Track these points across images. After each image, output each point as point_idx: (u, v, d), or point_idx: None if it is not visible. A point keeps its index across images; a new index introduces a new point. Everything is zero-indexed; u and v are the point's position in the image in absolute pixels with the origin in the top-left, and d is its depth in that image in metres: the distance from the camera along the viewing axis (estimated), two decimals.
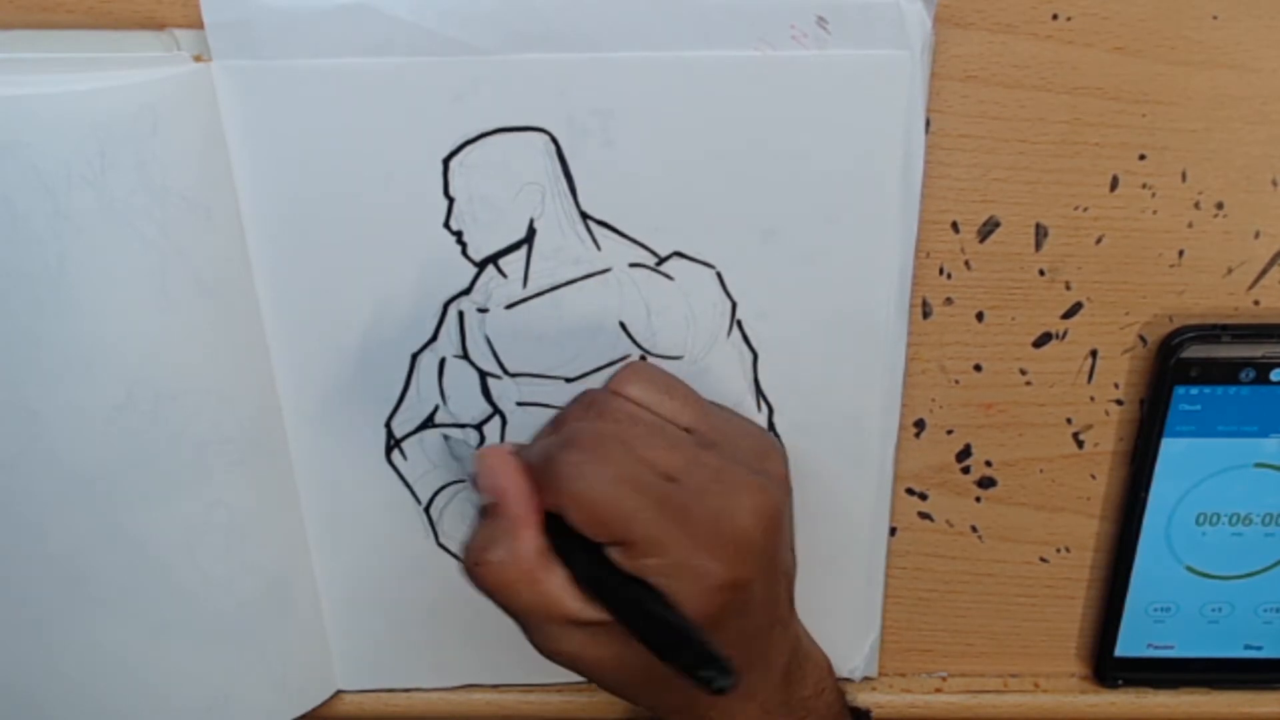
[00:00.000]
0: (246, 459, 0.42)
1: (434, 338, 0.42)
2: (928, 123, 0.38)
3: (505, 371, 0.42)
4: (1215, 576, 0.46)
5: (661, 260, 0.40)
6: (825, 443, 0.43)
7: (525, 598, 0.35)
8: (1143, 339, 0.43)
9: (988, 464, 0.45)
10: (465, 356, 0.42)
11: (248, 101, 0.37)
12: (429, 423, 0.43)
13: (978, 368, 0.43)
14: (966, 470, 0.45)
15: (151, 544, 0.42)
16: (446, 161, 0.38)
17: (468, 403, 0.43)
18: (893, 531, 0.46)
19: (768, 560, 0.36)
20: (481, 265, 0.40)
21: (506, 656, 0.48)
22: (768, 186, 0.39)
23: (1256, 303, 0.42)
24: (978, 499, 0.46)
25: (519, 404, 0.43)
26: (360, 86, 0.37)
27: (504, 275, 0.41)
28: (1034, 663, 0.49)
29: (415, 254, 0.40)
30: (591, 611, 0.35)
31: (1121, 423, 0.44)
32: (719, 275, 0.40)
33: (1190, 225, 0.40)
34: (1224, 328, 0.41)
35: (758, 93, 0.37)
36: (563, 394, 0.42)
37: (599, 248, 0.40)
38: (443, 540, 0.46)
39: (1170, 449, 0.43)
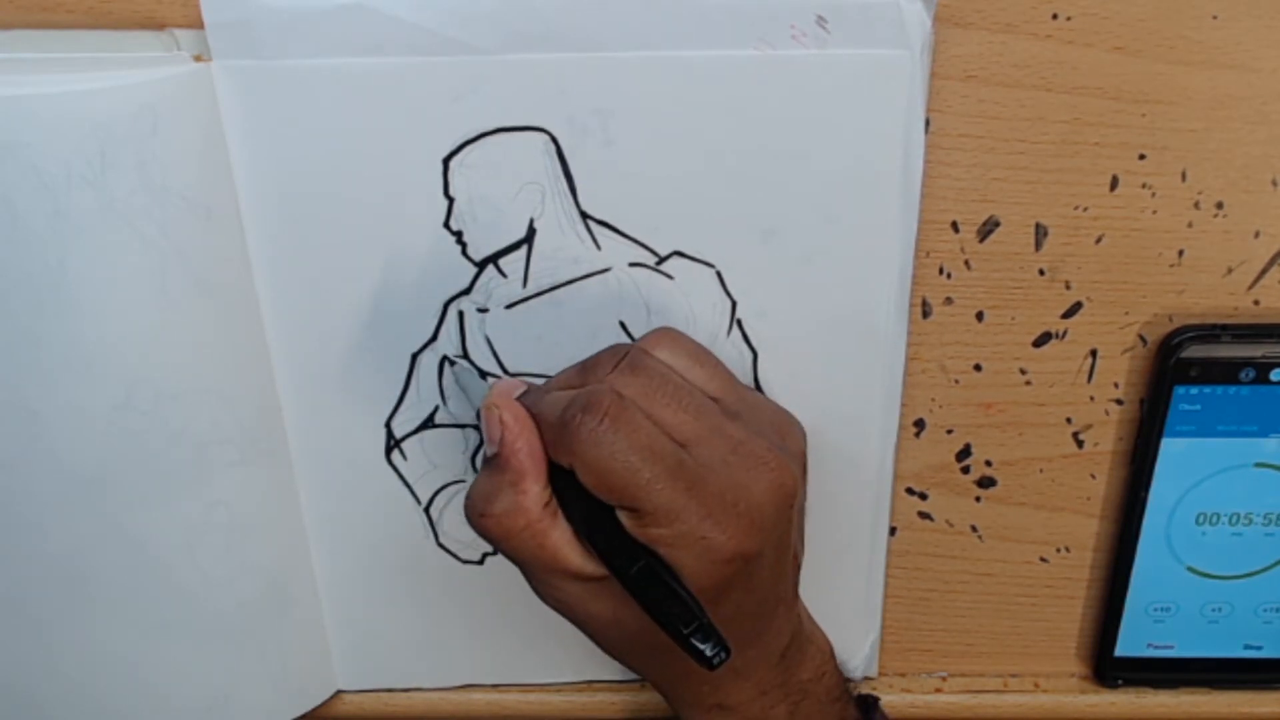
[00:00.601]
0: (246, 459, 0.42)
1: (434, 338, 0.42)
2: (927, 122, 0.38)
3: (505, 371, 0.42)
4: (1215, 576, 0.46)
5: (661, 260, 0.40)
6: (825, 442, 0.43)
7: (528, 549, 0.35)
8: (1143, 339, 0.43)
9: (988, 464, 0.45)
10: (465, 356, 0.42)
11: (248, 101, 0.37)
12: (429, 423, 0.43)
13: (978, 367, 0.43)
14: (966, 470, 0.45)
15: (151, 544, 0.42)
16: (446, 161, 0.38)
17: (468, 403, 0.43)
18: (893, 531, 0.46)
19: (777, 537, 0.36)
20: (481, 265, 0.40)
21: (506, 656, 0.48)
22: (767, 186, 0.39)
23: (1256, 302, 0.42)
24: (978, 499, 0.46)
25: None
26: (360, 86, 0.37)
27: (504, 275, 0.41)
28: (1034, 663, 0.49)
29: (415, 254, 0.40)
30: (592, 566, 0.35)
31: (1121, 422, 0.44)
32: (719, 275, 0.40)
33: (1190, 225, 0.40)
34: (1224, 328, 0.41)
35: (757, 92, 0.37)
36: None
37: (599, 247, 0.40)
38: (443, 540, 0.46)
39: (1170, 449, 0.43)
